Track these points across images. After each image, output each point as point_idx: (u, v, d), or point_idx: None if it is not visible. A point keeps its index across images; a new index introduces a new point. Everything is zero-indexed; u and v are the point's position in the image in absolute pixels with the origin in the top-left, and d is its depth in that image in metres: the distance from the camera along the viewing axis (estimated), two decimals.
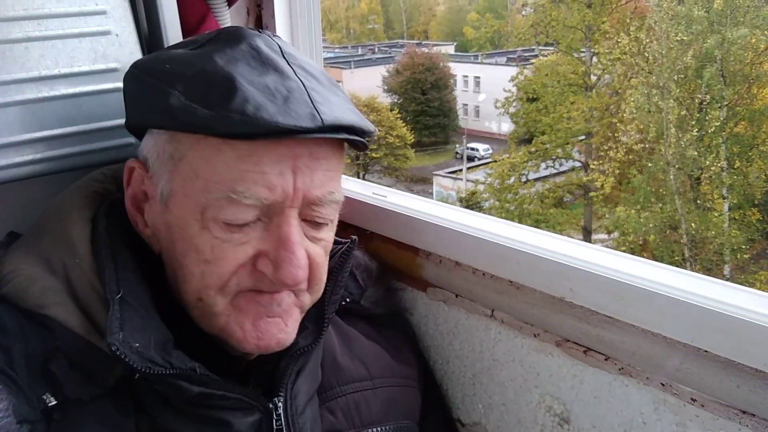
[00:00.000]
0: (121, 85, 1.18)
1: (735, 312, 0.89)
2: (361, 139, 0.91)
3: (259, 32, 0.94)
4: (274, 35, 0.95)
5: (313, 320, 1.02)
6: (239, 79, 0.83)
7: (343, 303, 1.17)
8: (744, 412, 0.90)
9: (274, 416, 0.95)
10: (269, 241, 0.87)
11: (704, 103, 15.83)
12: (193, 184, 0.86)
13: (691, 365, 0.94)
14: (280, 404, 0.96)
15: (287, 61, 0.89)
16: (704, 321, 0.91)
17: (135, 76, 0.92)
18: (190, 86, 0.84)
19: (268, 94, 0.83)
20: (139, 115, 0.93)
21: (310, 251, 0.91)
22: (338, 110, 0.87)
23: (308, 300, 0.96)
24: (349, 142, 0.92)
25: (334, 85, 0.94)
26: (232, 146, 0.83)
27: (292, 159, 0.85)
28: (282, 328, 0.93)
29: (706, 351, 0.92)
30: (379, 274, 1.29)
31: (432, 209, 1.30)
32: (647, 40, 16.92)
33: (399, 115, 30.23)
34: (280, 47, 0.92)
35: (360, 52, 47.86)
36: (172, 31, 1.23)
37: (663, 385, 0.98)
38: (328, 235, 0.96)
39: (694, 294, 0.93)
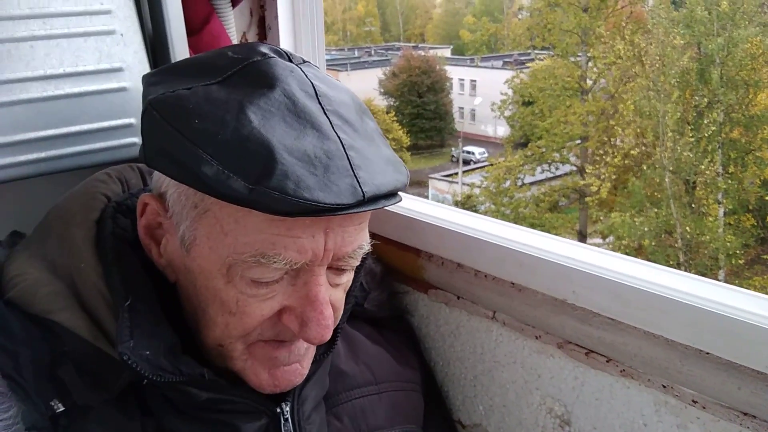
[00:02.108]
0: (126, 84, 1.19)
1: (736, 314, 0.89)
2: (396, 201, 0.86)
3: (292, 64, 0.86)
4: (304, 63, 0.89)
5: None
6: (277, 148, 0.76)
7: None
8: (745, 414, 0.90)
9: (282, 421, 0.95)
10: (296, 298, 0.85)
11: (701, 107, 15.88)
12: (219, 239, 0.82)
13: (692, 367, 0.94)
14: (288, 409, 0.95)
15: (323, 108, 0.83)
16: (705, 323, 0.92)
17: (157, 122, 0.81)
18: (223, 153, 0.76)
19: (307, 164, 0.76)
20: (163, 165, 0.83)
21: (333, 298, 0.89)
22: (378, 173, 0.82)
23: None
24: None
25: (361, 116, 0.90)
26: None
27: (326, 221, 0.81)
28: (299, 372, 0.93)
29: (707, 353, 0.93)
30: (382, 277, 1.29)
31: (434, 211, 1.31)
32: (644, 44, 16.99)
33: (395, 118, 30.23)
34: (314, 88, 0.84)
35: (356, 54, 47.85)
36: (177, 31, 1.23)
37: (664, 386, 0.98)
38: (350, 276, 0.94)
39: (695, 296, 0.94)
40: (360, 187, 0.78)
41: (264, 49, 0.87)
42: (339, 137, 0.81)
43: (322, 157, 0.78)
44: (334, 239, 0.83)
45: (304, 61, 0.90)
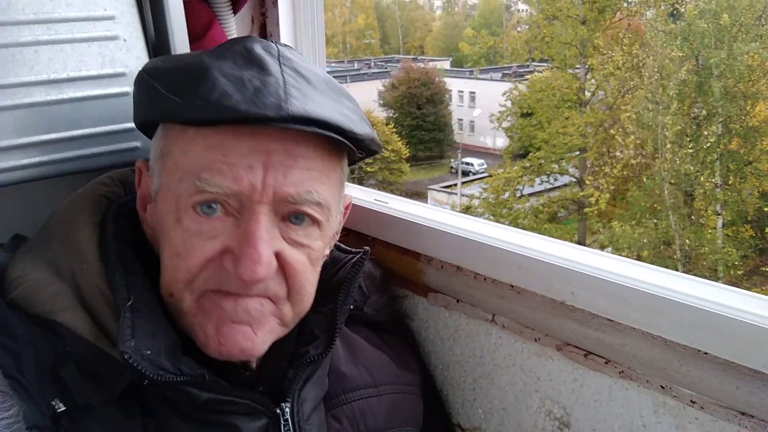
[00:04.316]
0: (128, 89, 1.20)
1: (734, 314, 0.90)
2: (341, 138, 0.86)
3: (268, 40, 0.93)
4: (280, 43, 0.94)
5: (324, 330, 1.01)
6: (213, 71, 0.84)
7: None
8: (743, 414, 0.91)
9: (282, 421, 0.95)
10: (236, 237, 0.85)
11: (700, 118, 15.95)
12: (173, 176, 0.87)
13: (690, 367, 0.95)
14: (287, 409, 0.96)
15: (280, 63, 0.88)
16: (703, 323, 0.92)
17: (139, 76, 0.94)
18: (169, 78, 0.87)
19: (238, 84, 0.82)
20: (137, 111, 0.96)
21: (287, 254, 0.89)
22: (317, 106, 0.84)
23: (289, 310, 0.93)
24: (336, 144, 0.89)
25: (335, 92, 0.91)
26: (203, 136, 0.84)
27: (265, 154, 0.84)
28: (249, 336, 0.89)
29: (705, 353, 0.93)
30: (382, 281, 1.29)
31: (433, 215, 1.32)
32: (642, 56, 17.09)
33: (394, 130, 30.29)
34: (279, 51, 0.90)
35: (356, 66, 48.05)
36: (179, 37, 1.24)
37: (663, 387, 0.99)
38: (315, 243, 0.92)
39: (693, 296, 0.95)
40: (286, 105, 0.81)
41: (251, 35, 0.96)
42: (284, 78, 0.85)
43: (255, 83, 0.83)
44: (274, 175, 0.84)
45: (285, 46, 0.95)
